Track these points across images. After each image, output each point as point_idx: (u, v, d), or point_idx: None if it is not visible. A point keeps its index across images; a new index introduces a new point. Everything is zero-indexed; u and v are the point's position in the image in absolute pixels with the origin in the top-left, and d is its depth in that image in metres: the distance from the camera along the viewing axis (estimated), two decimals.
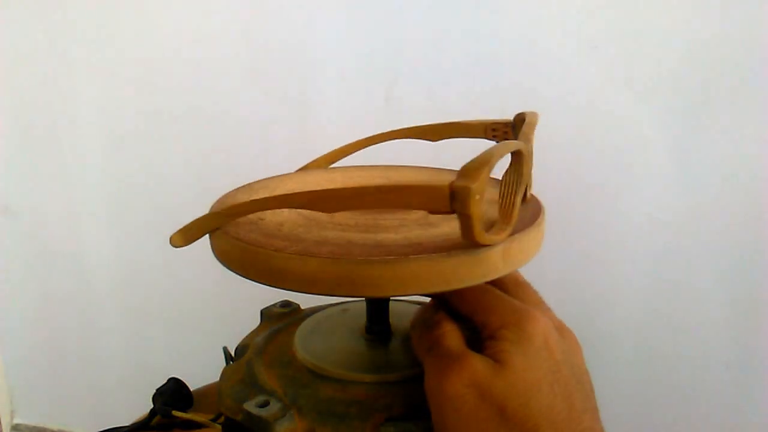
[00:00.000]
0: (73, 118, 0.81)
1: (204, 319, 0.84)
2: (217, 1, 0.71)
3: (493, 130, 0.36)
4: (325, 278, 0.26)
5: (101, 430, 0.44)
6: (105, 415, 0.95)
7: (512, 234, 0.27)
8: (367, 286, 0.26)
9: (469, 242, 0.24)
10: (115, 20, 0.75)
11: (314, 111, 0.71)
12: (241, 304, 0.59)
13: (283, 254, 0.26)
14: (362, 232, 0.28)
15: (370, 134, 0.38)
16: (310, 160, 0.41)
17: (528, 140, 0.29)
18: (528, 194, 0.32)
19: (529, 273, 0.33)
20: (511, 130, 0.35)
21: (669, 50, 0.61)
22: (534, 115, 0.32)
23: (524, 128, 0.30)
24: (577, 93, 0.63)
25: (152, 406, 0.45)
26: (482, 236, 0.24)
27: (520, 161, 0.27)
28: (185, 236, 0.30)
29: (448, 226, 0.29)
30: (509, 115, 0.34)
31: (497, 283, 0.31)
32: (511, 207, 0.27)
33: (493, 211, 0.29)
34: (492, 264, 0.27)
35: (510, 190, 0.27)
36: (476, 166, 0.23)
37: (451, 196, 0.23)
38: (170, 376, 0.47)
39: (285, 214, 0.31)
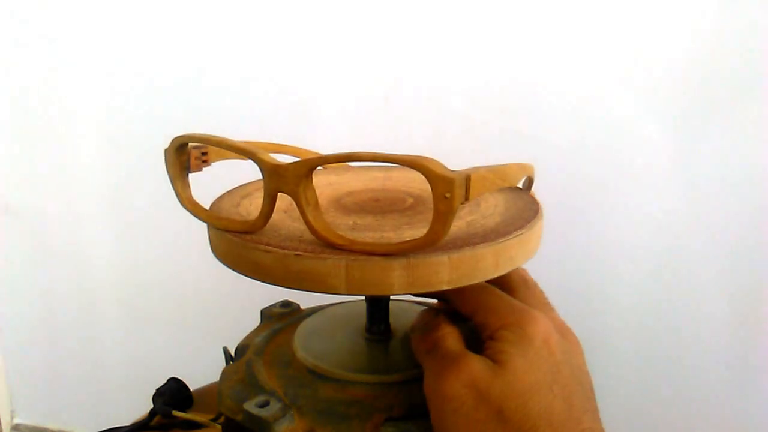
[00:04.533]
0: (73, 118, 0.81)
1: (204, 319, 0.84)
2: (217, 2, 0.71)
3: None
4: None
5: (101, 430, 0.44)
6: (105, 415, 0.95)
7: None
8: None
9: None
10: (114, 20, 0.75)
11: (314, 111, 0.71)
12: (241, 304, 0.59)
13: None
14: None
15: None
16: None
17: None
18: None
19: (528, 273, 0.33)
20: None
21: (669, 50, 0.60)
22: None
23: None
24: (577, 93, 0.63)
25: (152, 406, 0.45)
26: None
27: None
28: None
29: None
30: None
31: (504, 283, 0.31)
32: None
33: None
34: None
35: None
36: None
37: None
38: (170, 376, 0.47)
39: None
